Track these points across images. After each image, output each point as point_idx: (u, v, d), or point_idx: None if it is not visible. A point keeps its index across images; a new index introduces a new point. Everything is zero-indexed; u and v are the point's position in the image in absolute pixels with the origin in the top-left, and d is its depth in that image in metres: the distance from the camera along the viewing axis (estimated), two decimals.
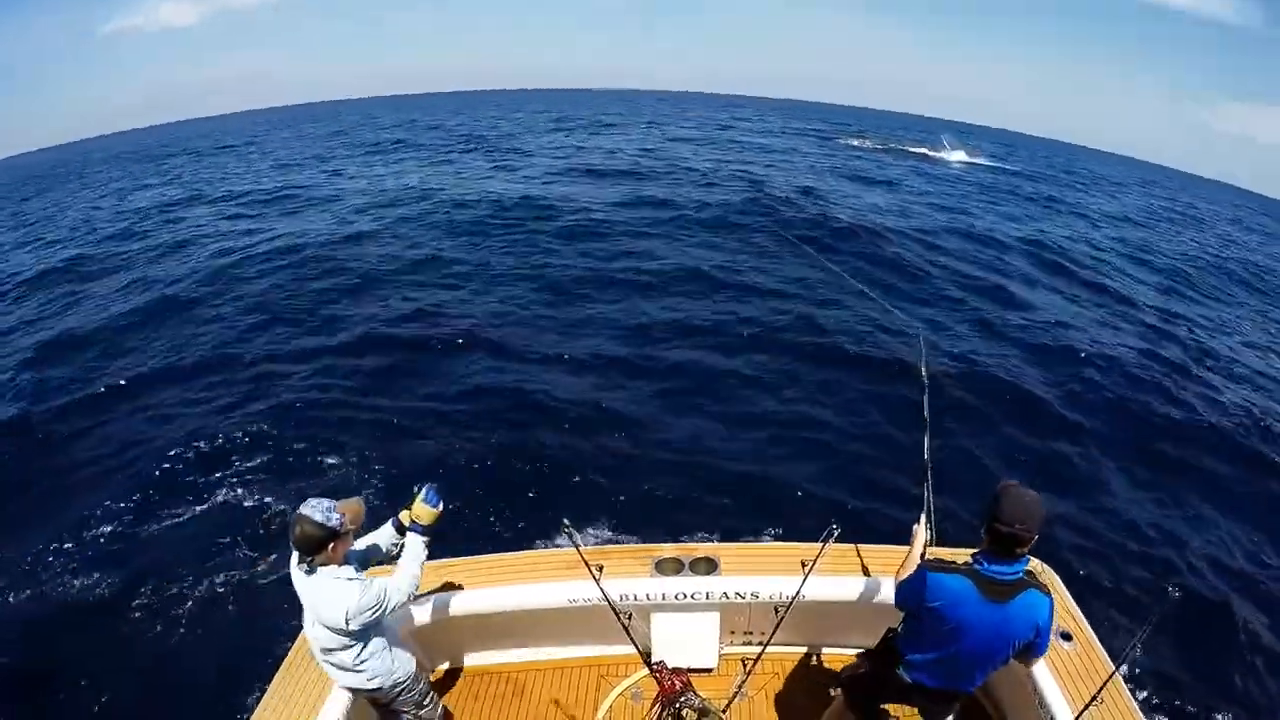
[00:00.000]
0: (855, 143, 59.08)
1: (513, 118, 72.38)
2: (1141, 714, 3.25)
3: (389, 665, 3.26)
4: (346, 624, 2.89)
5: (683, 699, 3.30)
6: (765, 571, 4.07)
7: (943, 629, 2.81)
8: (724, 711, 3.34)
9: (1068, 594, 3.97)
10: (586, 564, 3.55)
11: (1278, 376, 13.45)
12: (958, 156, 55.18)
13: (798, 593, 3.56)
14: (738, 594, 4.02)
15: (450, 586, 4.11)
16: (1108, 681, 2.95)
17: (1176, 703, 5.60)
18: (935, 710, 3.26)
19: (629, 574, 4.09)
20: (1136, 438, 9.99)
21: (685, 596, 4.05)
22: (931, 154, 55.63)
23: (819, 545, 3.55)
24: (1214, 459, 9.59)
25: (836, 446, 9.24)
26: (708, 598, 4.04)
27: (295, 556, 2.90)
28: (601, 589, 3.58)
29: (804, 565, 3.57)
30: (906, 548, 3.45)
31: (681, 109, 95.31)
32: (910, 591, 2.94)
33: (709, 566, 4.11)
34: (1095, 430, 10.03)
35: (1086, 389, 11.37)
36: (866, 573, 4.01)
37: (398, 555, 3.30)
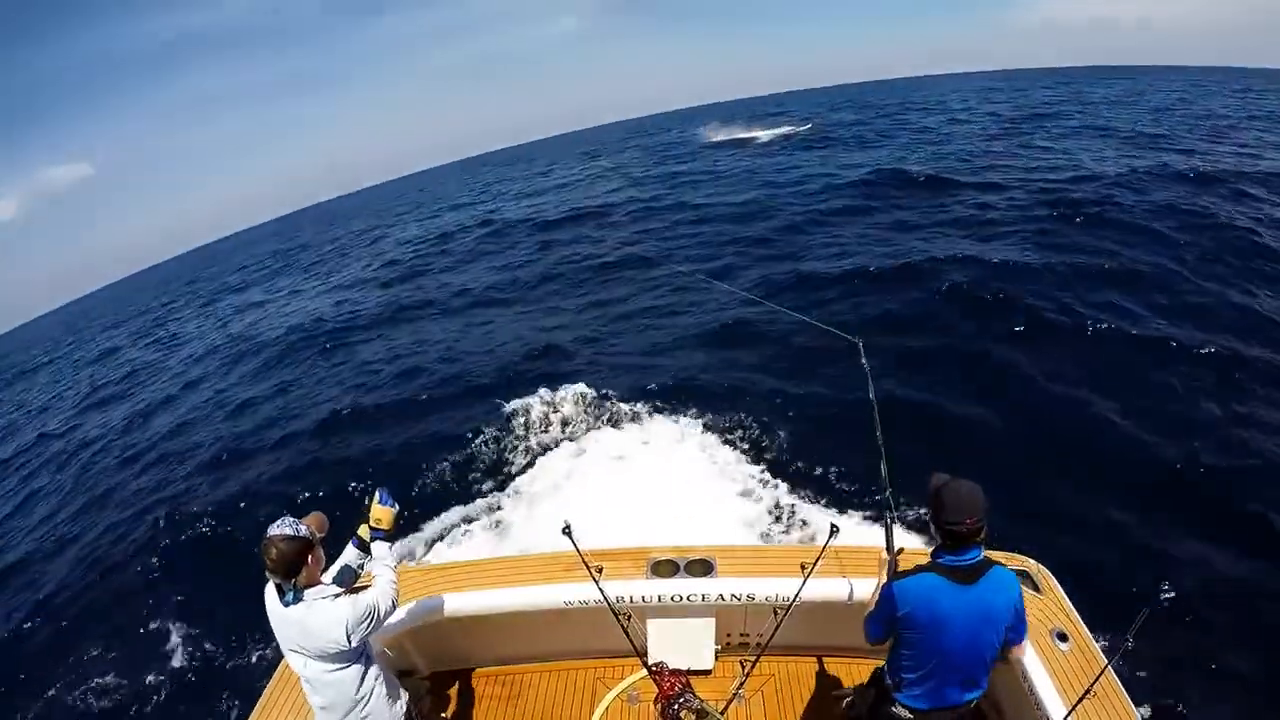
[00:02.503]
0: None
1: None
2: (1136, 711, 3.30)
3: (386, 701, 3.31)
4: (349, 640, 2.97)
5: (681, 700, 3.46)
6: (761, 573, 4.17)
7: (924, 632, 2.84)
8: (721, 713, 3.48)
9: (1064, 594, 3.99)
10: (587, 565, 3.65)
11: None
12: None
13: (797, 594, 3.63)
14: (734, 596, 4.12)
15: (448, 589, 4.22)
16: (1100, 676, 3.04)
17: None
18: None
19: (625, 576, 4.22)
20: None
21: (681, 599, 4.15)
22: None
23: (818, 547, 3.64)
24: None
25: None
26: (704, 600, 4.15)
27: (273, 591, 2.94)
28: (601, 590, 3.69)
29: (803, 568, 3.62)
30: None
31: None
32: (881, 612, 2.98)
33: (705, 568, 4.23)
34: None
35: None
36: (863, 575, 4.04)
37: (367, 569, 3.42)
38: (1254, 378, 9.93)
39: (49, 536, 12.79)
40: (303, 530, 2.89)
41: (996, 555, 3.84)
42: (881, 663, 3.32)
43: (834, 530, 3.52)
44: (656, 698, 3.56)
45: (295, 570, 2.86)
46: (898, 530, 3.70)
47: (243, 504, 11.19)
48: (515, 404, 12.04)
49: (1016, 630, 2.90)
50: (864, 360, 4.56)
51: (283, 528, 2.85)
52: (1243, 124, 34.48)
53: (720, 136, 58.56)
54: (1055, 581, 4.07)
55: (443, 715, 4.53)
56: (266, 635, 7.44)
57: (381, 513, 3.35)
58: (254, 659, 7.59)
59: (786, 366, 12.23)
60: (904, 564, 3.32)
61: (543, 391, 12.24)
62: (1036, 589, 3.97)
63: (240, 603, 7.91)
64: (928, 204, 21.67)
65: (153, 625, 8.68)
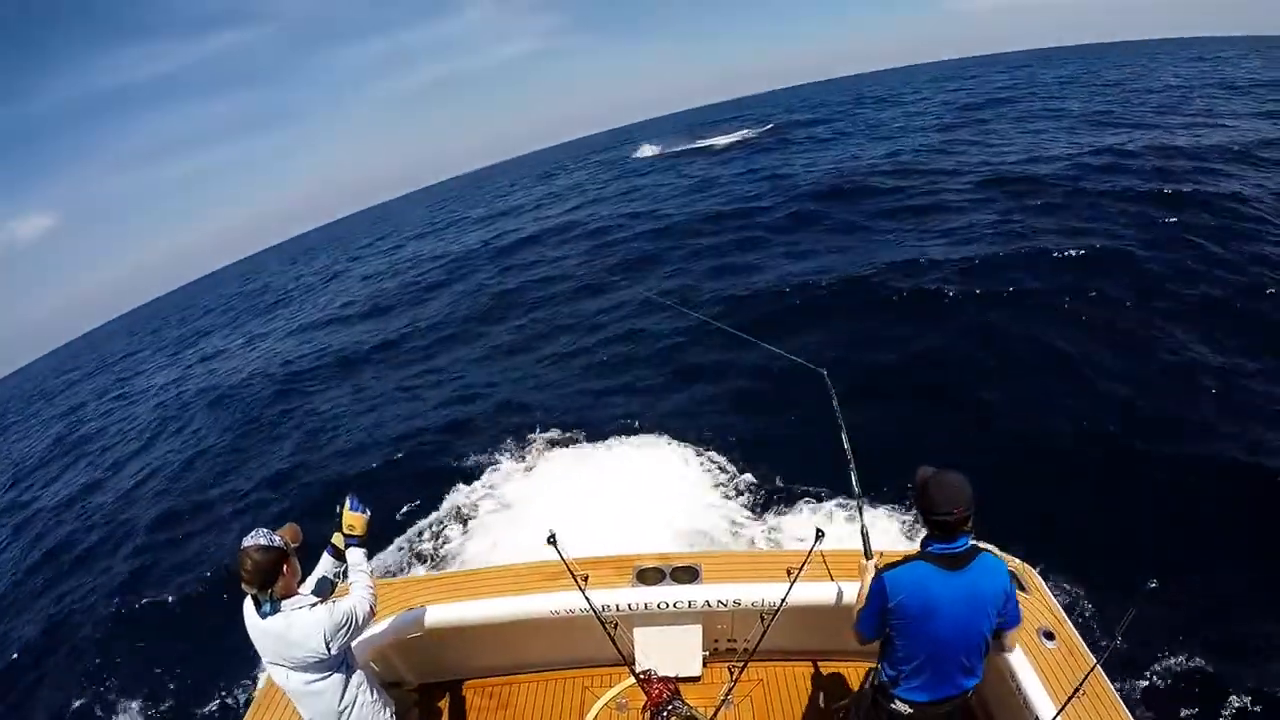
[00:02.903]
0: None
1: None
2: (1126, 708, 3.33)
3: (372, 711, 3.28)
4: (328, 648, 2.97)
5: (670, 707, 3.43)
6: (746, 578, 4.21)
7: (916, 620, 2.86)
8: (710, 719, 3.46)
9: (1049, 591, 4.05)
10: (572, 574, 3.72)
11: None
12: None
13: (784, 599, 3.68)
14: (719, 602, 4.14)
15: (433, 600, 4.24)
16: (1089, 674, 3.04)
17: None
18: None
19: (610, 584, 4.26)
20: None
21: (667, 605, 4.18)
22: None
23: (804, 551, 3.69)
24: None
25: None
26: (690, 606, 4.17)
27: (251, 604, 2.95)
28: (588, 598, 3.74)
29: (789, 573, 3.68)
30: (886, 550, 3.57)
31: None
32: (872, 606, 3.00)
33: (690, 575, 4.27)
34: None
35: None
36: (850, 578, 4.02)
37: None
38: (1234, 353, 9.97)
39: (7, 600, 12.63)
40: (277, 540, 2.90)
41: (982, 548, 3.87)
42: (872, 664, 3.34)
43: (819, 535, 3.61)
44: (645, 705, 3.54)
45: (271, 580, 2.85)
46: (877, 531, 3.71)
47: (204, 559, 11.08)
48: (479, 433, 12.09)
49: (1009, 615, 2.95)
50: (830, 387, 4.48)
51: (257, 538, 2.86)
52: (1196, 93, 35.58)
53: (678, 146, 59.37)
54: (1040, 580, 4.12)
55: None
56: (230, 686, 7.61)
57: (354, 518, 3.35)
58: (215, 709, 7.54)
59: (757, 381, 12.16)
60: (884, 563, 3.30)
61: (506, 419, 12.31)
62: (1022, 588, 3.98)
63: (204, 657, 8.03)
64: (886, 199, 21.89)
65: (116, 688, 8.58)
